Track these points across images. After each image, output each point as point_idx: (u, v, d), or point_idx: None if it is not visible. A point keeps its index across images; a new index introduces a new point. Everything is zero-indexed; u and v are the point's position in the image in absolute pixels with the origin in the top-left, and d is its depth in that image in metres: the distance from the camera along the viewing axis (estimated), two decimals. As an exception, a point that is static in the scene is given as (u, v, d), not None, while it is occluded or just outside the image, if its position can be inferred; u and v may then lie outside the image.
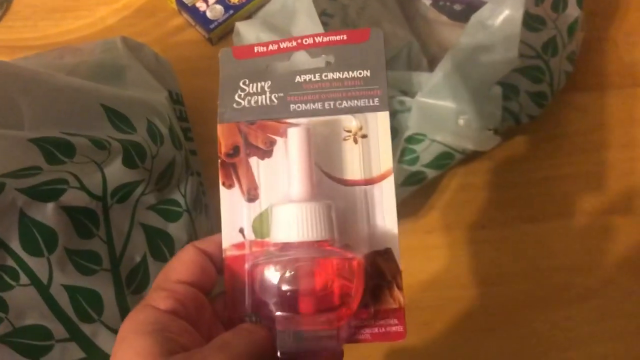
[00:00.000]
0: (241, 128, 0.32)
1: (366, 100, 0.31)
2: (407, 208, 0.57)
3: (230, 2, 0.66)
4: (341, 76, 0.32)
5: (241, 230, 0.31)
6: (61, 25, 0.67)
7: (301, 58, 0.33)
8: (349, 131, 0.31)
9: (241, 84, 0.32)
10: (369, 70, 0.31)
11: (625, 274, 0.55)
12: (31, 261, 0.36)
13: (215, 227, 0.49)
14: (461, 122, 0.50)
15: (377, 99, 0.31)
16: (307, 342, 0.28)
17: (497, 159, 0.60)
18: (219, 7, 0.65)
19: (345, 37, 0.32)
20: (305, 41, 0.32)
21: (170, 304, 0.28)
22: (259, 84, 0.32)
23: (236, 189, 0.31)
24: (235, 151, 0.32)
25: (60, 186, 0.38)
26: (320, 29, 0.51)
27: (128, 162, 0.41)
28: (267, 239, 0.31)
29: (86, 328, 0.39)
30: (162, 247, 0.44)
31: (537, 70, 0.55)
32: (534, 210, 0.58)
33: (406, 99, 0.51)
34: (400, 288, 0.30)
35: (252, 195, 0.31)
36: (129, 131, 0.43)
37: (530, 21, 0.53)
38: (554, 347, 0.53)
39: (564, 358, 0.53)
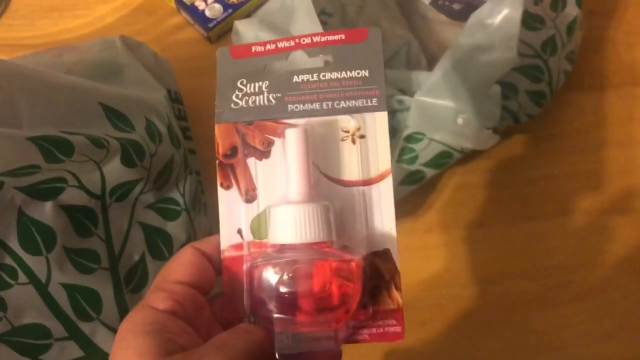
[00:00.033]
0: (239, 128, 0.32)
1: (364, 100, 0.31)
2: (405, 207, 0.57)
3: (229, 0, 0.66)
4: (339, 76, 0.31)
5: (239, 231, 0.31)
6: (60, 24, 0.67)
7: (299, 58, 0.33)
8: (347, 131, 0.31)
9: (239, 84, 0.32)
10: (367, 70, 0.31)
11: (623, 273, 0.55)
12: (30, 260, 0.36)
13: (214, 226, 0.49)
14: (460, 121, 0.50)
15: (375, 99, 0.31)
16: (305, 343, 0.28)
17: (496, 158, 0.60)
18: (217, 6, 0.65)
19: (343, 36, 0.32)
20: (303, 41, 0.32)
21: (168, 304, 0.28)
22: (257, 84, 0.32)
23: (234, 189, 0.31)
24: (233, 152, 0.32)
25: (59, 185, 0.38)
26: (319, 27, 0.51)
27: (127, 161, 0.41)
28: (265, 240, 0.31)
29: (85, 327, 0.39)
30: (160, 246, 0.44)
31: (536, 70, 0.55)
32: (532, 209, 0.58)
33: (405, 98, 0.51)
34: (398, 289, 0.30)
35: (250, 196, 0.31)
36: (128, 130, 0.43)
37: (530, 20, 0.53)
38: (552, 346, 0.53)
39: (562, 356, 0.53)
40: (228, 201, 0.31)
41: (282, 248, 0.29)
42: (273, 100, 0.32)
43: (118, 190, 0.41)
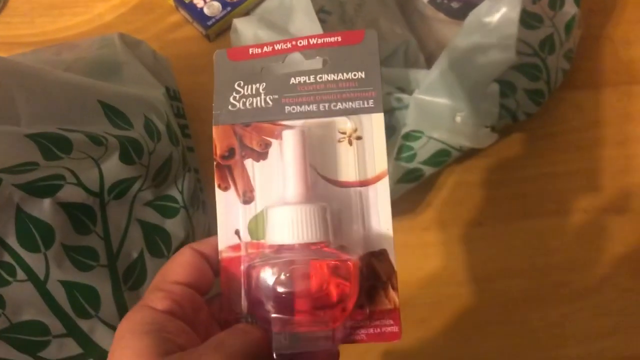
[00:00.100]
0: (236, 130, 0.32)
1: (361, 102, 0.31)
2: (404, 205, 0.57)
3: (228, -1, 0.66)
4: (336, 78, 0.32)
5: (237, 232, 0.31)
6: (59, 22, 0.67)
7: (297, 59, 0.33)
8: (344, 133, 0.31)
9: (236, 86, 0.32)
10: (363, 72, 0.31)
11: (621, 271, 0.55)
12: (28, 257, 0.36)
13: (212, 223, 0.49)
14: (458, 119, 0.51)
15: (371, 100, 0.31)
16: (303, 343, 0.28)
17: (494, 157, 0.60)
18: (216, 4, 0.65)
19: (339, 38, 0.32)
20: (300, 43, 0.32)
21: (167, 304, 0.28)
22: (254, 86, 0.32)
23: (232, 191, 0.32)
24: (230, 153, 0.32)
25: (57, 182, 0.38)
26: (317, 26, 0.51)
27: (125, 158, 0.41)
28: (262, 241, 0.31)
29: (83, 324, 0.39)
30: (159, 244, 0.44)
31: (534, 68, 0.55)
32: (530, 207, 0.58)
33: (403, 96, 0.51)
34: (395, 289, 0.30)
35: (247, 197, 0.31)
36: (126, 127, 0.43)
37: (528, 19, 0.53)
38: (550, 344, 0.53)
39: (560, 355, 0.53)
40: (226, 202, 0.31)
41: (279, 249, 0.29)
42: (270, 102, 0.32)
43: (116, 188, 0.42)
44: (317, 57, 0.32)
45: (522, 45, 0.53)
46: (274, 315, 0.28)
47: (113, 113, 0.43)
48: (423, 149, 0.53)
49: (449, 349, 0.53)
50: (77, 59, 0.48)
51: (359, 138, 0.31)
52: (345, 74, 0.31)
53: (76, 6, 0.67)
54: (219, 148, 0.32)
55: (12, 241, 0.36)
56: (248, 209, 0.31)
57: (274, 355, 0.27)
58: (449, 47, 0.51)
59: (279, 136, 0.31)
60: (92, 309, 0.39)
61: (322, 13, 0.59)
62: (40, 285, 0.37)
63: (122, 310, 0.41)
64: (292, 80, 0.32)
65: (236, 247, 0.31)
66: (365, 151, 0.31)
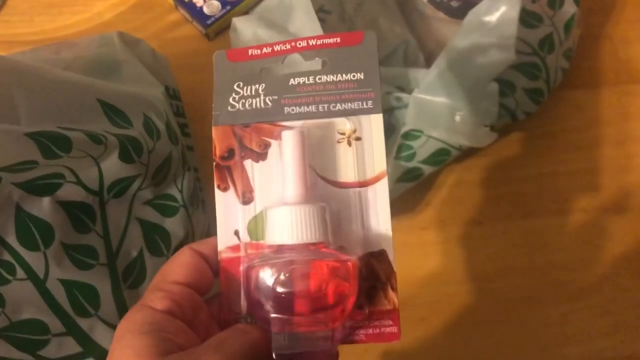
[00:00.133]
0: (236, 131, 0.32)
1: (360, 102, 0.31)
2: (403, 204, 0.57)
3: (227, -3, 0.66)
4: (335, 79, 0.32)
5: (236, 233, 0.31)
6: (58, 21, 0.67)
7: (296, 60, 0.33)
8: (343, 134, 0.31)
9: (235, 87, 0.32)
10: (362, 73, 0.31)
11: (620, 271, 0.56)
12: (28, 255, 0.36)
13: (212, 222, 0.49)
14: (458, 118, 0.51)
15: (370, 101, 0.31)
16: (302, 343, 0.28)
17: (493, 156, 0.60)
18: (215, 3, 0.65)
19: (338, 39, 0.32)
20: (299, 44, 0.32)
21: (166, 304, 0.28)
22: (253, 87, 0.32)
23: (231, 191, 0.32)
24: (230, 154, 0.32)
25: (57, 180, 0.38)
26: (317, 25, 0.51)
27: (124, 157, 0.41)
28: (262, 241, 0.31)
29: (83, 322, 0.39)
30: (158, 242, 0.44)
31: (533, 67, 0.55)
32: (529, 206, 0.58)
33: (403, 95, 0.51)
34: (394, 289, 0.30)
35: (247, 198, 0.31)
36: (126, 126, 0.43)
37: (527, 18, 0.53)
38: (549, 344, 0.53)
39: (559, 354, 0.53)
40: (225, 203, 0.31)
41: (279, 249, 0.29)
42: (270, 103, 0.32)
43: (116, 187, 0.42)
44: (317, 58, 0.32)
45: (522, 44, 0.53)
46: (273, 315, 0.28)
47: (112, 112, 0.43)
48: (422, 148, 0.53)
49: (449, 348, 0.53)
50: (76, 57, 0.48)
51: (358, 139, 0.31)
52: (344, 75, 0.32)
53: (75, 5, 0.67)
54: (218, 149, 0.32)
55: (12, 240, 0.36)
56: (247, 209, 0.31)
57: (274, 355, 0.28)
58: (449, 46, 0.51)
59: (278, 137, 0.31)
60: (91, 307, 0.39)
61: (321, 12, 0.59)
62: (39, 283, 0.37)
63: (122, 309, 0.41)
64: (292, 81, 0.32)
65: (236, 248, 0.31)
66: (364, 152, 0.31)
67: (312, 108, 0.31)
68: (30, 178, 0.36)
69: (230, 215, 0.31)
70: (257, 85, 0.32)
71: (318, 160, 0.31)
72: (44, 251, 0.37)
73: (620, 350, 0.53)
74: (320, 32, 0.50)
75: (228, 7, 0.65)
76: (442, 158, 0.54)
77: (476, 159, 0.59)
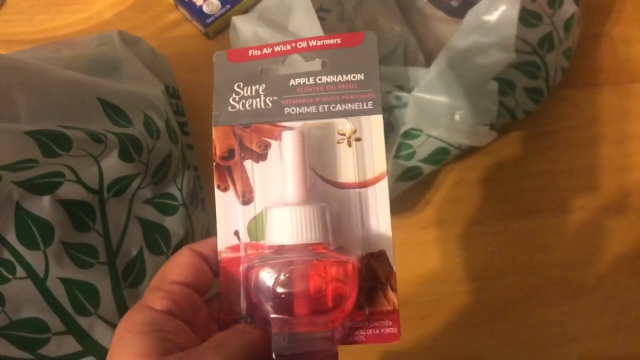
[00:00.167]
0: (236, 131, 0.32)
1: (360, 103, 0.31)
2: (403, 203, 0.57)
3: (227, -4, 0.66)
4: (335, 80, 0.32)
5: (236, 233, 0.31)
6: (57, 19, 0.67)
7: (296, 61, 0.33)
8: (343, 134, 0.31)
9: (236, 88, 0.32)
10: (362, 74, 0.31)
11: (620, 269, 0.56)
12: (28, 254, 0.36)
13: (211, 221, 0.49)
14: (457, 117, 0.51)
15: (371, 102, 0.31)
16: (302, 343, 0.28)
17: (493, 155, 0.60)
18: (215, 2, 0.65)
19: (339, 40, 0.32)
20: (300, 45, 0.32)
21: (166, 304, 0.28)
22: (254, 88, 0.32)
23: (231, 191, 0.32)
24: (230, 154, 0.32)
25: (57, 179, 0.38)
26: (317, 24, 0.51)
27: (124, 156, 0.41)
28: (262, 242, 0.31)
29: (83, 321, 0.39)
30: (158, 241, 0.44)
31: (533, 66, 0.55)
32: (529, 205, 0.58)
33: (403, 94, 0.51)
34: (394, 290, 0.30)
35: (247, 198, 0.31)
36: (126, 125, 0.43)
37: (527, 17, 0.54)
38: (549, 342, 0.53)
39: (559, 353, 0.53)
40: (225, 203, 0.31)
41: (278, 249, 0.29)
42: (270, 104, 0.32)
43: (116, 185, 0.42)
44: (317, 59, 0.32)
45: (521, 43, 0.53)
46: (273, 315, 0.28)
47: (112, 110, 0.43)
48: (422, 147, 0.53)
49: (448, 347, 0.53)
50: (76, 56, 0.48)
51: (358, 139, 0.31)
52: (344, 76, 0.32)
53: (75, 4, 0.67)
54: (218, 149, 0.32)
55: (12, 238, 0.36)
56: (247, 209, 0.31)
57: (273, 355, 0.28)
58: (448, 46, 0.51)
59: (278, 137, 0.31)
60: (91, 306, 0.39)
61: (321, 11, 0.59)
62: (39, 282, 0.37)
63: (122, 307, 0.41)
64: (292, 82, 0.32)
65: (235, 248, 0.31)
66: (364, 152, 0.31)
67: (313, 109, 0.31)
68: (30, 177, 0.36)
69: (230, 216, 0.31)
70: (257, 86, 0.32)
71: (318, 161, 0.31)
72: (44, 250, 0.37)
73: (620, 350, 0.53)
74: (320, 31, 0.50)
75: (228, 6, 0.65)
76: (441, 157, 0.54)
77: (476, 158, 0.60)
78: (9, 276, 0.36)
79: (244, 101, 0.32)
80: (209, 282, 0.31)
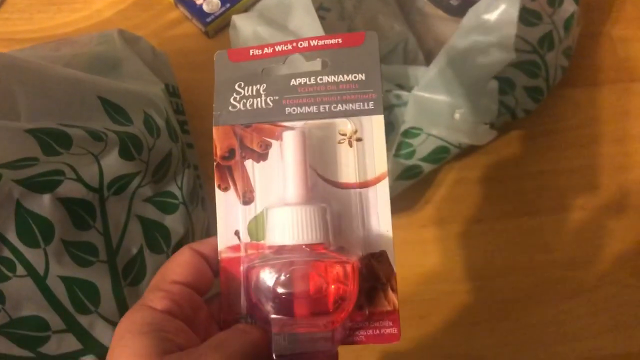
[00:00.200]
0: (236, 131, 0.32)
1: (361, 103, 0.31)
2: (403, 202, 0.57)
3: (227, -5, 0.66)
4: (336, 79, 0.32)
5: (237, 233, 0.31)
6: (57, 18, 0.66)
7: (297, 60, 0.33)
8: (344, 134, 0.31)
9: (236, 87, 0.32)
10: (363, 74, 0.31)
11: (619, 269, 0.56)
12: (28, 252, 0.36)
13: (211, 220, 0.49)
14: (457, 116, 0.51)
15: (372, 102, 0.31)
16: (302, 343, 0.28)
17: (493, 154, 0.60)
18: (215, 1, 0.65)
19: (340, 40, 0.32)
20: (301, 44, 0.32)
21: (166, 304, 0.28)
22: (255, 87, 0.32)
23: (232, 191, 0.31)
24: (230, 154, 0.32)
25: (57, 177, 0.38)
26: (317, 23, 0.51)
27: (125, 154, 0.41)
28: (262, 242, 0.31)
29: (83, 319, 0.39)
30: (158, 240, 0.44)
31: (533, 65, 0.55)
32: (529, 204, 0.58)
33: (403, 93, 0.51)
34: (394, 290, 0.30)
35: (247, 198, 0.31)
36: (126, 123, 0.43)
37: (527, 16, 0.54)
38: (549, 341, 0.53)
39: (559, 352, 0.53)
40: (226, 203, 0.31)
41: (279, 249, 0.29)
42: (271, 103, 0.32)
43: (116, 184, 0.42)
44: (318, 59, 0.32)
45: (521, 42, 0.53)
46: (273, 316, 0.28)
47: (113, 109, 0.43)
48: (422, 146, 0.53)
49: (448, 346, 0.53)
50: (75, 55, 0.48)
51: (359, 140, 0.31)
52: (345, 76, 0.32)
53: (75, 2, 0.67)
54: (219, 149, 0.32)
55: (12, 236, 0.36)
56: (248, 209, 0.31)
57: (274, 355, 0.27)
58: (448, 45, 0.51)
59: (279, 137, 0.31)
60: (91, 304, 0.39)
61: (321, 10, 0.59)
62: (39, 280, 0.37)
63: (122, 306, 0.41)
64: (293, 82, 0.32)
65: (236, 248, 0.31)
66: (365, 153, 0.31)
67: (313, 109, 0.31)
68: (31, 175, 0.36)
69: (230, 215, 0.31)
70: (258, 86, 0.32)
71: (319, 161, 0.31)
72: (44, 248, 0.37)
73: (620, 349, 0.53)
74: (320, 29, 0.50)
75: (227, 5, 0.65)
76: (441, 156, 0.54)
77: (476, 156, 0.60)
78: (9, 274, 0.36)
79: (244, 101, 0.32)
80: (209, 282, 0.31)
